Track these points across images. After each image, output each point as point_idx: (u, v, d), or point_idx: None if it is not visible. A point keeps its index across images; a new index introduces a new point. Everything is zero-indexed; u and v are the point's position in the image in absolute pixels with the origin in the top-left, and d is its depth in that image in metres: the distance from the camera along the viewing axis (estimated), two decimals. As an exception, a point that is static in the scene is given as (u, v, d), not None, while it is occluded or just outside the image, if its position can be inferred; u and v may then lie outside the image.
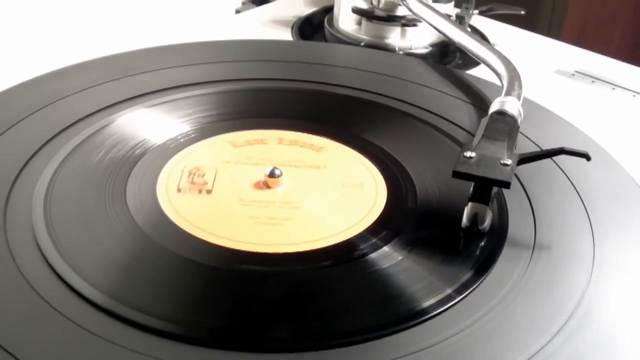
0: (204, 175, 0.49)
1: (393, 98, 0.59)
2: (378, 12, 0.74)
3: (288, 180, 0.49)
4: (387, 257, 0.42)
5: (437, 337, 0.37)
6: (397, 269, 0.42)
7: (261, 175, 0.48)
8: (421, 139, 0.55)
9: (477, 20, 0.80)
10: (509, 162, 0.44)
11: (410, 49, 0.74)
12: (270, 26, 0.81)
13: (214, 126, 0.54)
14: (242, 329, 0.38)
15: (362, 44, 0.75)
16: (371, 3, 0.75)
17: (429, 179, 0.49)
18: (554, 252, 0.44)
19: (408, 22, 0.73)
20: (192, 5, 0.88)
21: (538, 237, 0.45)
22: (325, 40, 0.78)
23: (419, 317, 0.38)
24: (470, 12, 0.74)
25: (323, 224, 0.45)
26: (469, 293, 0.40)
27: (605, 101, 0.68)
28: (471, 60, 0.70)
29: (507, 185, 0.43)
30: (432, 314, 0.39)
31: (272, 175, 0.48)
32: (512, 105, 0.51)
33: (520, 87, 0.55)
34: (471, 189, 0.44)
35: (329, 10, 0.81)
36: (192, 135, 0.53)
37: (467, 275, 0.41)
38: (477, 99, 0.60)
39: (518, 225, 0.46)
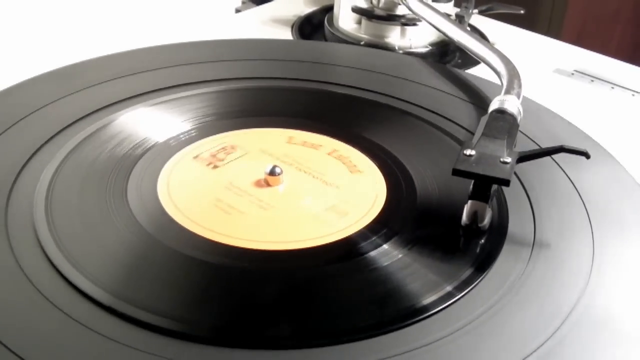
0: (229, 154, 0.50)
1: (393, 97, 0.59)
2: (378, 12, 0.74)
3: (288, 178, 0.49)
4: (387, 254, 0.43)
5: (437, 334, 0.37)
6: (397, 266, 0.42)
7: (261, 173, 0.48)
8: (421, 137, 0.55)
9: (477, 19, 0.80)
10: (508, 160, 0.44)
11: (410, 48, 0.74)
12: (270, 25, 0.81)
13: (214, 124, 0.54)
14: (243, 326, 0.38)
15: (362, 43, 0.75)
16: (371, 2, 0.75)
17: (429, 177, 0.50)
18: (553, 249, 0.44)
19: (408, 22, 0.73)
20: (192, 4, 0.88)
21: (538, 235, 0.45)
22: (325, 40, 0.78)
23: (419, 314, 0.39)
24: (470, 11, 0.75)
25: (323, 222, 0.45)
26: (469, 290, 0.40)
27: (604, 100, 0.68)
28: (471, 60, 0.70)
29: (506, 183, 0.43)
30: (432, 312, 0.39)
31: (272, 173, 0.48)
32: (511, 104, 0.51)
33: (519, 86, 0.55)
34: (471, 186, 0.44)
35: (328, 9, 0.81)
36: (193, 134, 0.53)
37: (467, 272, 0.41)
38: (477, 97, 0.60)
39: (518, 223, 0.46)
